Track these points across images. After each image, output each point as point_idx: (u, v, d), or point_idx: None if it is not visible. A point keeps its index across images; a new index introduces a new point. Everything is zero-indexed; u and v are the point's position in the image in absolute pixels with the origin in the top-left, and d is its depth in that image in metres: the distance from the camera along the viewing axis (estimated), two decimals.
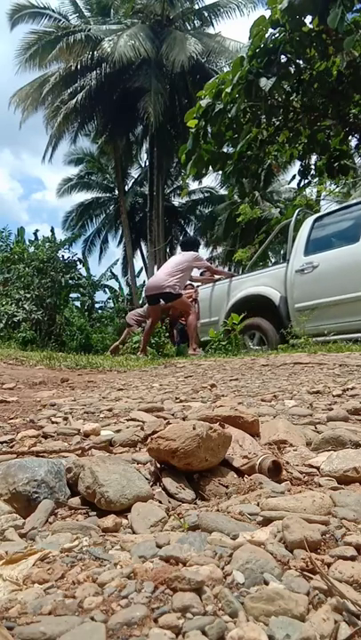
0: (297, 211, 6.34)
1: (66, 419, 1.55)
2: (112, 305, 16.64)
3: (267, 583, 0.54)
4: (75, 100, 16.42)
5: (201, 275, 7.13)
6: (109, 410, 1.69)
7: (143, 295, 8.89)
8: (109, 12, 18.78)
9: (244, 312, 5.36)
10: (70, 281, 10.95)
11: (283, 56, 5.55)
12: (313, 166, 7.14)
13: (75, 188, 22.95)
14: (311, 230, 5.29)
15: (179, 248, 7.18)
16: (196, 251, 6.79)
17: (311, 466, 1.00)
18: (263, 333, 5.54)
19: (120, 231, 23.06)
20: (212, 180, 21.13)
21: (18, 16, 16.64)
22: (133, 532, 0.73)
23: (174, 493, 0.88)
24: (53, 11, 17.28)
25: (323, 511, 0.74)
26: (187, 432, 0.91)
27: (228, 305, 5.89)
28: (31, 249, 11.05)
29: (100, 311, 13.50)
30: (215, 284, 6.45)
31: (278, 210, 14.54)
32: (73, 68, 16.25)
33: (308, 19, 5.30)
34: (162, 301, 6.13)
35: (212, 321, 6.15)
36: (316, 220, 5.38)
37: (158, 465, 0.96)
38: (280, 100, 6.06)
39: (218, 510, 0.79)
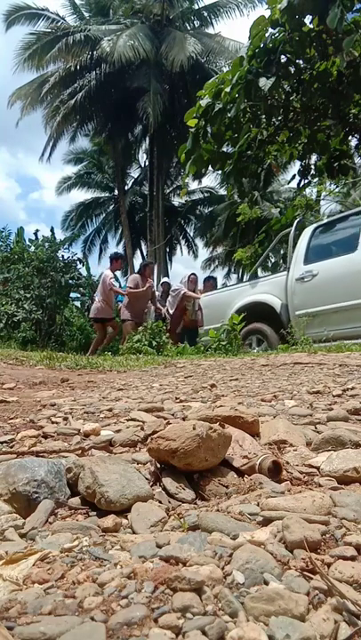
0: (296, 220, 6.43)
1: (66, 419, 1.55)
2: None
3: (267, 583, 0.54)
4: (74, 99, 16.42)
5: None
6: (109, 410, 1.69)
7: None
8: (108, 13, 18.76)
9: (246, 318, 5.54)
10: (70, 281, 10.93)
11: (282, 56, 5.54)
12: (313, 166, 7.13)
13: (74, 187, 22.97)
14: (311, 239, 5.42)
15: None
16: None
17: (311, 466, 0.99)
18: (265, 337, 5.73)
19: (120, 231, 23.07)
20: (211, 180, 21.13)
21: (14, 17, 16.56)
22: (133, 532, 0.73)
23: (174, 493, 0.88)
24: (51, 12, 17.24)
25: (323, 511, 0.74)
26: (187, 432, 0.91)
27: (231, 311, 6.06)
28: (31, 249, 11.03)
29: None
30: (217, 293, 6.74)
31: (278, 210, 14.52)
32: (72, 68, 16.24)
33: (307, 19, 5.30)
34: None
35: (217, 327, 6.30)
36: (315, 229, 5.51)
37: (158, 465, 0.96)
38: (280, 100, 6.05)
39: (218, 510, 0.79)
